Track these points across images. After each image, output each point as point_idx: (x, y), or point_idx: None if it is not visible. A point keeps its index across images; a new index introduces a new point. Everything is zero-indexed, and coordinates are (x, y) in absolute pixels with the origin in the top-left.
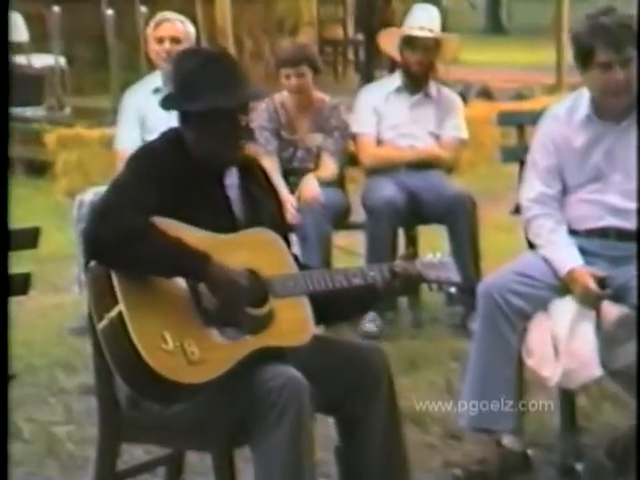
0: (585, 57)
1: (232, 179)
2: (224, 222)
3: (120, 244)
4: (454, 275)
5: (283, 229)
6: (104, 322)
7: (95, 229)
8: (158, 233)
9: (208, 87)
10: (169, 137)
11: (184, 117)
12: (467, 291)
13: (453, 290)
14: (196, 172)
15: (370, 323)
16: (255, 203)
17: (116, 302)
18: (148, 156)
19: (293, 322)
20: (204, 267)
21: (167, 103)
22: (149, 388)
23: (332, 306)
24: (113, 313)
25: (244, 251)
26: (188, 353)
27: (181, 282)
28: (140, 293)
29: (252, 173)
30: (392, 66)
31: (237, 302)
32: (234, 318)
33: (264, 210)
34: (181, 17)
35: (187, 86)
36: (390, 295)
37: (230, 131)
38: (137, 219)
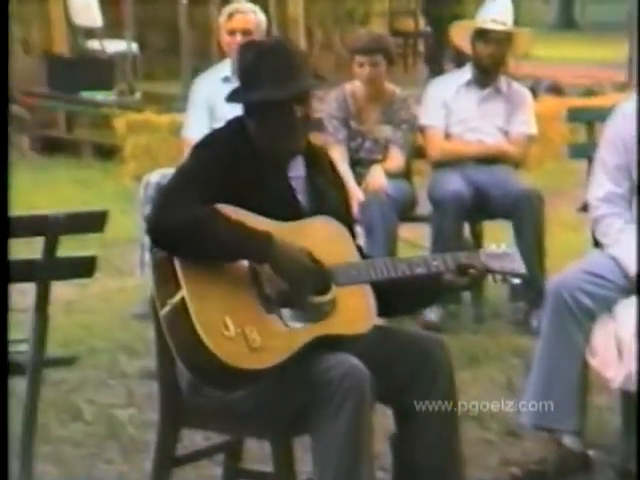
0: None
1: (298, 171)
2: (288, 212)
3: (183, 232)
4: (519, 266)
5: (348, 220)
6: (167, 308)
7: (159, 216)
8: (221, 218)
9: (263, 79)
10: (234, 127)
11: (246, 108)
12: (531, 285)
13: (517, 281)
14: (260, 162)
15: (432, 314)
16: (320, 193)
17: (179, 288)
18: (213, 145)
19: (355, 311)
20: (267, 247)
21: (230, 96)
22: (210, 374)
23: (395, 296)
24: (176, 299)
25: (307, 239)
26: (249, 339)
27: (243, 268)
28: (202, 279)
29: (318, 163)
30: (460, 59)
31: (300, 281)
32: (297, 303)
33: (329, 200)
34: (253, 7)
35: (245, 78)
36: (454, 287)
37: (286, 122)
38: (200, 208)
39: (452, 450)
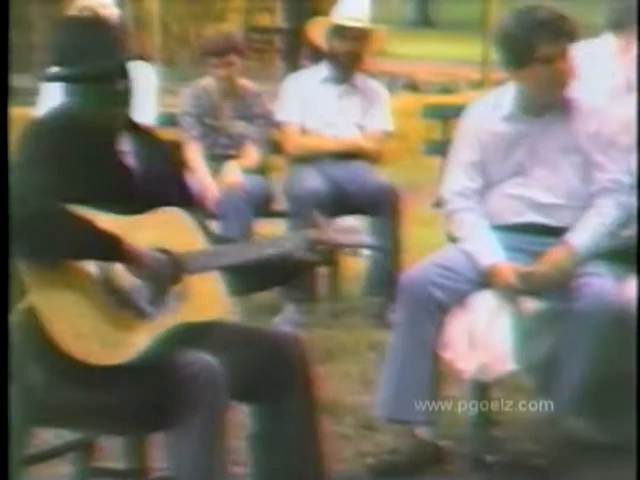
0: (524, 53)
1: (130, 155)
2: (130, 203)
3: (28, 230)
4: (366, 238)
5: (190, 208)
6: (15, 314)
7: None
8: (68, 214)
9: (80, 54)
10: (56, 114)
11: (66, 87)
12: (387, 279)
13: (367, 252)
14: (88, 145)
15: (288, 310)
16: (161, 182)
17: (25, 292)
18: (41, 136)
19: (207, 297)
20: (117, 249)
21: (50, 78)
22: (66, 375)
23: (250, 277)
24: (24, 305)
25: (152, 231)
26: (104, 336)
27: (92, 265)
28: (51, 280)
29: (150, 146)
30: (317, 56)
31: (152, 274)
32: (149, 296)
33: (171, 189)
34: (105, 2)
35: (64, 55)
36: (306, 263)
37: (109, 94)
38: (43, 204)
39: (311, 446)
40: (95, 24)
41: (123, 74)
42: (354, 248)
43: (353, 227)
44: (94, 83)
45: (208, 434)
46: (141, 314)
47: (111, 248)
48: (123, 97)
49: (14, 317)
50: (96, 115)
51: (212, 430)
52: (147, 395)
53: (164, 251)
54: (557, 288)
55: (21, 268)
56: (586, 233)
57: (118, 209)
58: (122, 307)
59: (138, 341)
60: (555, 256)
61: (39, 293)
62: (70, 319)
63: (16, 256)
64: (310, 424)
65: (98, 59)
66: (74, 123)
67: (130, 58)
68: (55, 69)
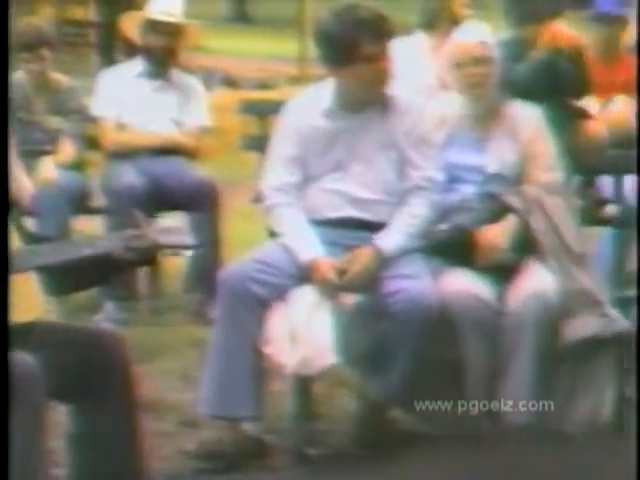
0: (347, 52)
1: None
2: None
3: None
4: (186, 238)
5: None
6: None
7: None
8: None
9: None
10: None
11: None
12: (206, 275)
13: (188, 253)
14: None
15: (107, 310)
16: None
17: None
18: None
19: (21, 298)
20: None
21: None
22: None
23: (68, 277)
24: None
25: None
26: None
27: None
28: None
29: None
30: (131, 50)
31: None
32: None
33: None
34: None
35: None
36: (125, 263)
37: None
38: None
39: (130, 446)
40: None
41: None
42: (174, 248)
43: (173, 227)
44: None
45: (25, 435)
46: None
47: None
48: None
49: None
50: None
51: (30, 430)
52: None
53: None
54: (364, 287)
55: None
56: (395, 234)
57: None
58: None
59: None
60: (361, 256)
61: None
62: None
63: None
64: (129, 423)
65: None
66: None
67: None
68: None
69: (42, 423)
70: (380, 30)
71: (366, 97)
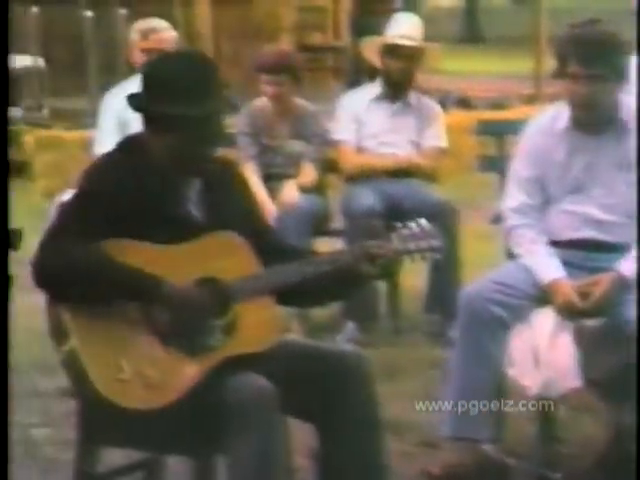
0: (560, 66)
1: (195, 190)
2: (183, 229)
3: (65, 278)
4: (435, 241)
5: (257, 230)
6: (61, 354)
7: (38, 260)
8: (105, 261)
9: (180, 92)
10: (125, 146)
11: (153, 123)
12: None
13: (437, 257)
14: (155, 182)
15: (348, 330)
16: (216, 206)
17: (68, 336)
18: (100, 171)
19: (258, 326)
20: (155, 288)
21: (137, 102)
22: (111, 415)
23: (306, 294)
24: (67, 347)
25: (202, 258)
26: (148, 379)
27: (133, 306)
28: (91, 324)
29: (215, 176)
30: (373, 73)
31: (194, 318)
32: (194, 333)
33: (226, 213)
34: (166, 25)
35: (159, 90)
36: (366, 277)
37: (200, 138)
38: (83, 249)
39: (376, 464)
40: (200, 62)
41: (221, 114)
42: (424, 252)
43: (421, 230)
44: (196, 123)
45: (265, 455)
46: (187, 351)
47: (149, 290)
48: (214, 137)
49: (61, 355)
50: (180, 152)
51: (268, 451)
52: (202, 420)
53: (211, 280)
54: (605, 312)
55: (62, 311)
56: (638, 260)
57: (166, 237)
58: (166, 346)
59: (184, 381)
60: (603, 281)
61: (80, 338)
62: (110, 364)
63: (56, 300)
64: (374, 443)
65: (205, 99)
66: (146, 160)
67: (226, 105)
68: (148, 100)
69: (279, 442)
70: (586, 53)
71: (582, 118)
